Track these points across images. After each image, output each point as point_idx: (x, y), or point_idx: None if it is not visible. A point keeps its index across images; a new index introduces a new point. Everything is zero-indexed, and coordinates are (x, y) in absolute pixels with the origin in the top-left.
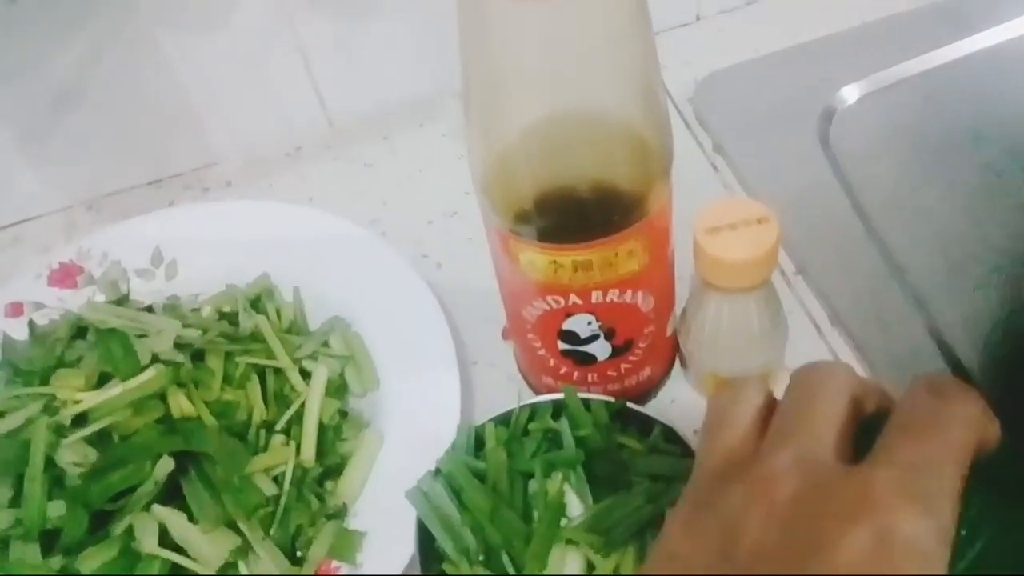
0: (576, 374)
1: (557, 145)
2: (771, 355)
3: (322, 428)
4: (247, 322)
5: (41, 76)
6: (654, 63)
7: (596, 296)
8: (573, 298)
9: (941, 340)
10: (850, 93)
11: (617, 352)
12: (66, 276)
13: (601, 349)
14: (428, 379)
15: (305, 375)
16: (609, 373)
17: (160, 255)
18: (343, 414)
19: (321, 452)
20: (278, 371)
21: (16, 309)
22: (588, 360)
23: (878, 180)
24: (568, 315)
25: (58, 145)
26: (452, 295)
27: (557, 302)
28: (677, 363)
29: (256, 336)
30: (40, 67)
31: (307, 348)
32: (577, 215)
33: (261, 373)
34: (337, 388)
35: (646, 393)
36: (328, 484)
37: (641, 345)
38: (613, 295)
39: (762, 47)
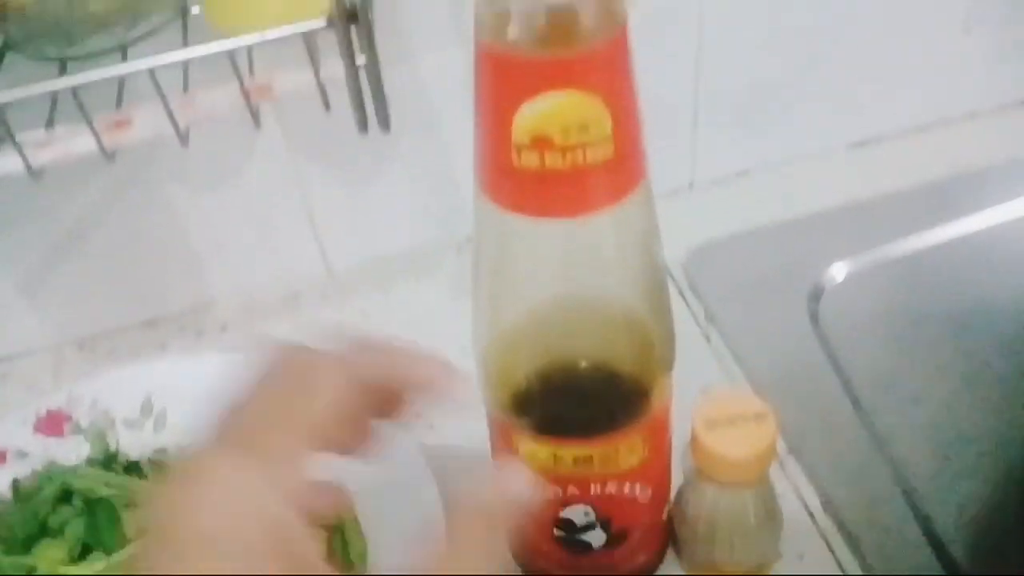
0: (569, 560)
1: (563, 340)
2: (766, 548)
3: None
4: None
5: (48, 220)
6: (662, 269)
7: (595, 488)
8: (571, 489)
9: (930, 530)
10: (839, 271)
11: (612, 541)
12: (53, 424)
13: (597, 538)
14: (415, 554)
15: None
16: (603, 562)
17: (150, 404)
18: None
19: None
20: None
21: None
22: (583, 548)
23: (867, 361)
24: (565, 505)
25: (55, 283)
26: (443, 458)
27: (555, 492)
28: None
29: None
30: (48, 213)
31: None
32: (580, 409)
33: None
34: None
35: None
36: None
37: (637, 534)
38: (612, 487)
39: (753, 217)
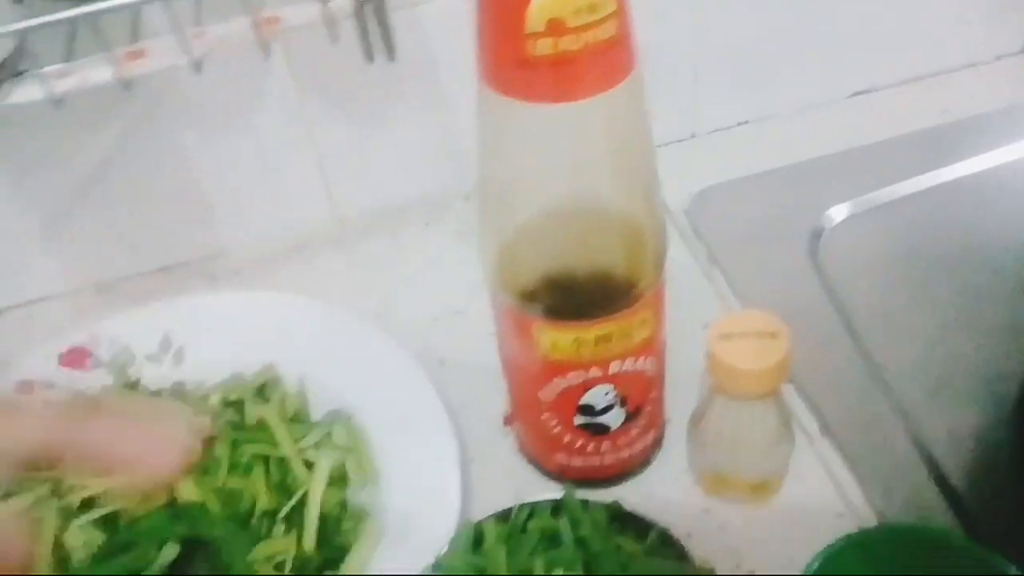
0: (590, 445)
1: (574, 228)
2: (772, 465)
3: (323, 518)
4: (253, 411)
5: (67, 165)
6: (653, 157)
7: (614, 366)
8: (594, 371)
9: (925, 452)
10: (838, 213)
11: (629, 419)
12: (76, 358)
13: (615, 418)
14: (428, 476)
15: (308, 465)
16: (619, 441)
17: (169, 341)
18: (343, 505)
19: (321, 542)
20: (282, 460)
21: (26, 388)
22: (602, 430)
23: (865, 297)
24: (587, 388)
25: (74, 229)
26: (453, 392)
27: (578, 377)
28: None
29: (261, 425)
30: (68, 157)
31: (311, 439)
32: (597, 292)
33: (265, 462)
34: (339, 479)
35: (646, 460)
36: (327, 573)
37: (647, 409)
38: (629, 363)
39: (754, 165)
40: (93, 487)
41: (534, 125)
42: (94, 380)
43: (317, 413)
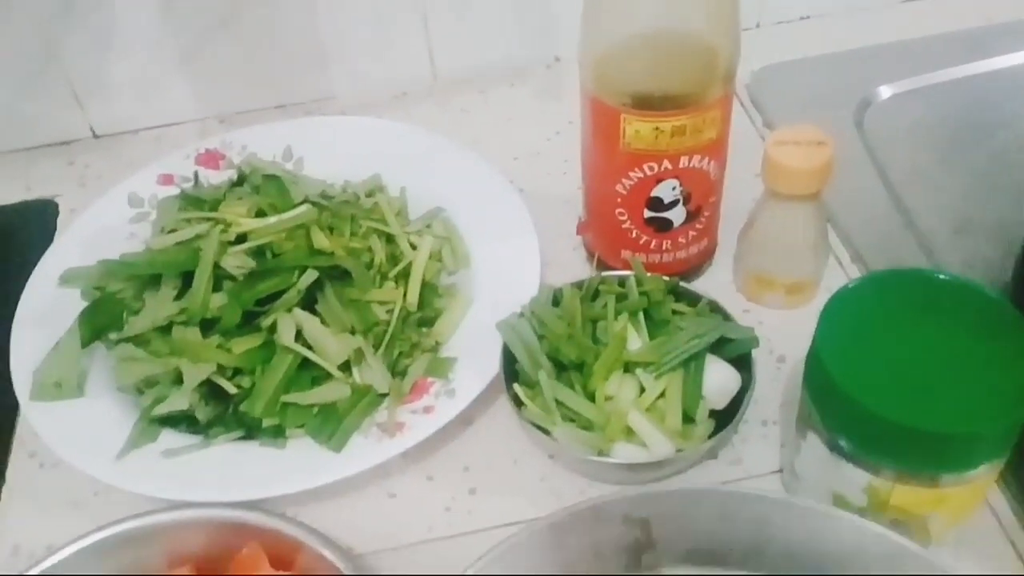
0: (654, 242)
1: (660, 41)
2: (810, 267)
3: (423, 284)
4: (367, 201)
5: (205, 3)
6: None
7: (683, 161)
8: (665, 163)
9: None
10: (885, 91)
11: (689, 218)
12: (211, 159)
13: (678, 214)
14: (513, 262)
15: (412, 247)
16: (680, 240)
17: (291, 152)
18: (439, 282)
19: (422, 303)
20: (390, 240)
21: (167, 179)
22: (666, 226)
23: (902, 159)
24: (659, 181)
25: (206, 62)
26: (531, 213)
27: (651, 168)
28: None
29: (374, 211)
30: None
31: (414, 227)
32: (675, 90)
33: (378, 236)
34: (437, 259)
35: (699, 267)
36: (425, 330)
37: (706, 214)
38: (696, 160)
39: (811, 52)
40: (247, 225)
41: None
42: (225, 179)
43: (416, 216)
